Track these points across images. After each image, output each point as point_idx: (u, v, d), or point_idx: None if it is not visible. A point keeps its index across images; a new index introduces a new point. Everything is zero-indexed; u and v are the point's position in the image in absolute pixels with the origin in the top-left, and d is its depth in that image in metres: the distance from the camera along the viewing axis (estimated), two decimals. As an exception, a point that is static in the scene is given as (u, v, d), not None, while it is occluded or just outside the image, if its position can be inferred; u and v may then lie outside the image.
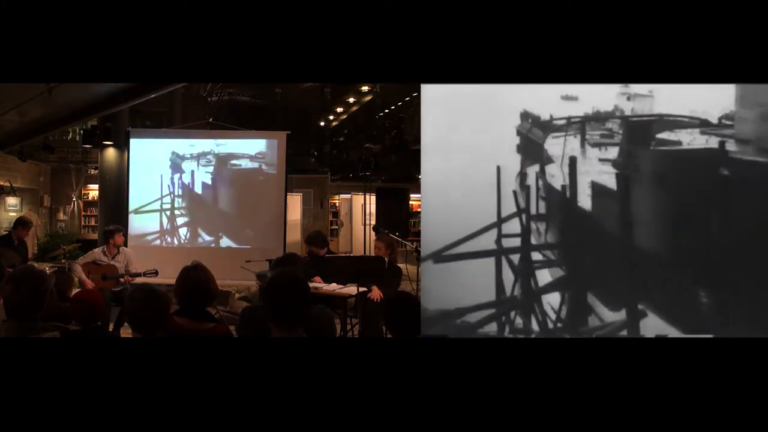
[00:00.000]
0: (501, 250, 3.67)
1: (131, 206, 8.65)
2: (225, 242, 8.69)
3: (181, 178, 8.71)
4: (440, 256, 3.56)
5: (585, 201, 3.14)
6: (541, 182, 3.38)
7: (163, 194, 8.70)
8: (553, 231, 3.52)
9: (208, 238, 8.73)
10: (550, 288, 3.63)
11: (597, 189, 3.08)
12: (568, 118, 3.46)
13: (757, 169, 1.96)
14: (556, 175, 3.23)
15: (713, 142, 2.35)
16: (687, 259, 2.32)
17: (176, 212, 8.74)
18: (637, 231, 2.66)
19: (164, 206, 8.72)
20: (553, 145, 3.53)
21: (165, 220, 8.73)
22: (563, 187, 3.24)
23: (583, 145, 3.41)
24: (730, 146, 2.24)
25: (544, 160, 3.60)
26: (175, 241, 8.75)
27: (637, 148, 2.85)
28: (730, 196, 2.05)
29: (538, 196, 3.44)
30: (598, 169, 3.20)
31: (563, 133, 3.45)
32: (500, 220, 3.69)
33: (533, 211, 3.65)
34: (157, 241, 8.71)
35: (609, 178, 3.08)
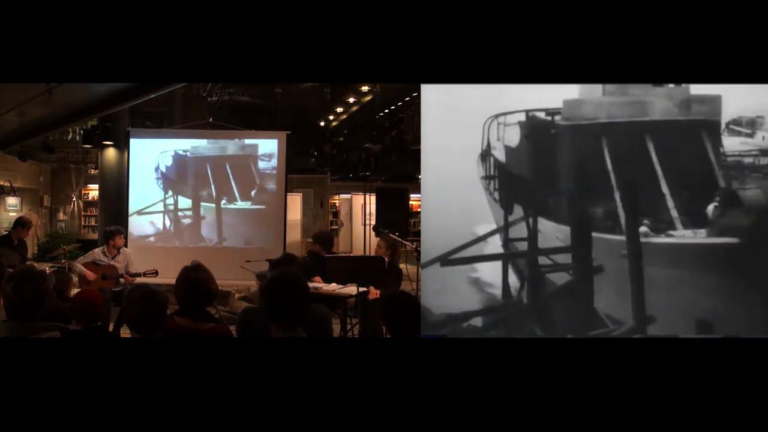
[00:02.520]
0: (509, 254, 3.65)
1: (132, 207, 8.64)
2: (225, 242, 8.69)
3: (180, 178, 8.71)
4: (448, 260, 3.50)
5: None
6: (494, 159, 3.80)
7: (163, 195, 8.70)
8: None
9: (208, 238, 8.73)
10: (557, 293, 3.59)
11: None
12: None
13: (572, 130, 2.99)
14: (498, 147, 3.71)
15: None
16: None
17: (177, 213, 8.74)
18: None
19: (168, 207, 8.71)
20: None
21: (167, 221, 8.73)
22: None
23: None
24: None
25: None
26: (176, 242, 8.74)
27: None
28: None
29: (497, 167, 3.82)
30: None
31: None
32: (507, 224, 3.67)
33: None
34: (159, 242, 8.71)
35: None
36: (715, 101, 2.94)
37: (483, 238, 3.72)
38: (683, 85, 2.89)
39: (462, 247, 3.60)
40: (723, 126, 3.32)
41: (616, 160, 2.82)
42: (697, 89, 3.03)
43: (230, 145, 8.78)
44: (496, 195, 3.52)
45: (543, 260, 3.50)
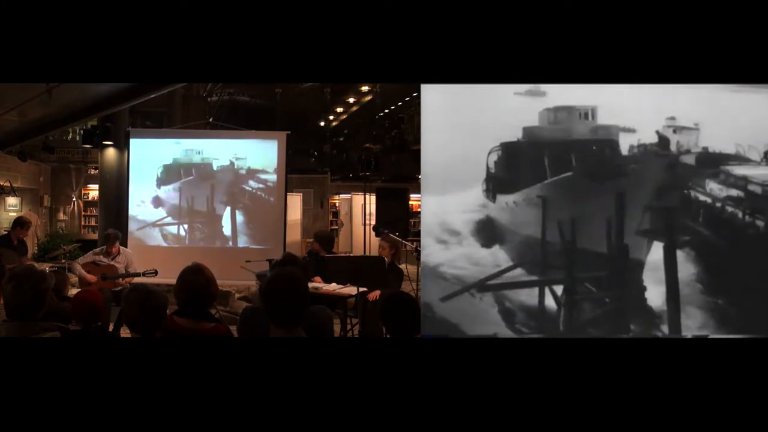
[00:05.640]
0: (545, 280, 4.11)
1: (132, 207, 8.65)
2: (225, 242, 8.69)
3: (180, 178, 8.71)
4: (484, 286, 4.10)
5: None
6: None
7: (162, 195, 8.72)
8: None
9: (208, 238, 8.73)
10: (594, 321, 4.01)
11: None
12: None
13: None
14: (491, 166, 4.70)
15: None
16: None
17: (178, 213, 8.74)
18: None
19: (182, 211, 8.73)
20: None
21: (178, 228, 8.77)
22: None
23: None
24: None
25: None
26: (182, 240, 8.74)
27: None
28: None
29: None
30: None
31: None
32: (544, 251, 4.11)
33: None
34: (162, 243, 8.72)
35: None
36: (611, 129, 4.27)
37: (518, 265, 4.21)
38: (594, 118, 4.28)
39: (498, 273, 4.17)
40: (761, 156, 4.07)
41: (551, 164, 4.23)
42: (602, 120, 4.28)
43: (231, 146, 8.79)
44: (489, 193, 4.59)
45: (579, 287, 4.08)
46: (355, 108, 17.47)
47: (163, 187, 8.69)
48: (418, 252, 4.59)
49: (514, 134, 4.35)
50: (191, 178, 8.71)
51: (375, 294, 5.25)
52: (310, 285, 4.47)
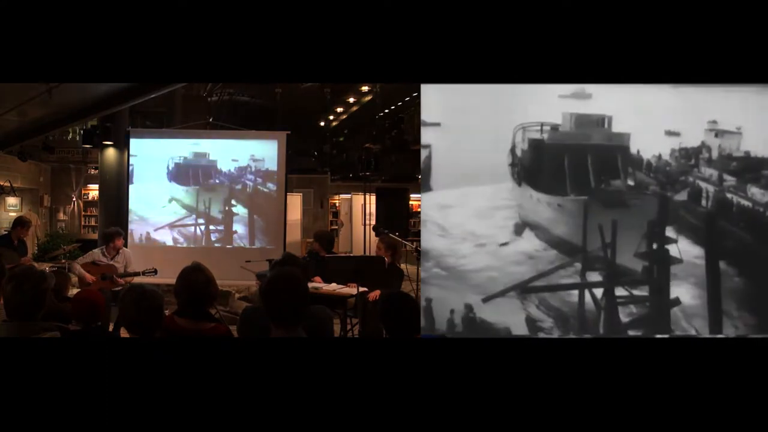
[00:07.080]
0: (585, 284, 4.21)
1: (135, 208, 8.66)
2: (225, 242, 8.68)
3: (187, 178, 8.71)
4: (526, 287, 4.25)
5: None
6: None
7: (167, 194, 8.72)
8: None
9: (208, 237, 8.73)
10: (632, 325, 4.11)
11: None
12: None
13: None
14: (518, 146, 4.93)
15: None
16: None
17: (183, 214, 8.74)
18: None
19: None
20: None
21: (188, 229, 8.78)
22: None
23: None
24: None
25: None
26: (177, 243, 8.73)
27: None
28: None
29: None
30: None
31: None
32: (585, 252, 4.21)
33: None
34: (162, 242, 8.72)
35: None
36: (624, 136, 4.52)
37: (561, 266, 4.29)
38: (609, 126, 4.56)
39: (539, 275, 4.26)
40: None
41: (570, 165, 4.55)
42: (616, 128, 4.53)
43: (231, 146, 8.79)
44: (515, 175, 4.84)
45: (619, 291, 4.20)
46: (355, 108, 17.46)
47: (173, 183, 8.68)
48: (418, 252, 4.59)
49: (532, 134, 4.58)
50: (197, 178, 8.71)
51: (375, 294, 5.26)
52: (310, 285, 4.48)
